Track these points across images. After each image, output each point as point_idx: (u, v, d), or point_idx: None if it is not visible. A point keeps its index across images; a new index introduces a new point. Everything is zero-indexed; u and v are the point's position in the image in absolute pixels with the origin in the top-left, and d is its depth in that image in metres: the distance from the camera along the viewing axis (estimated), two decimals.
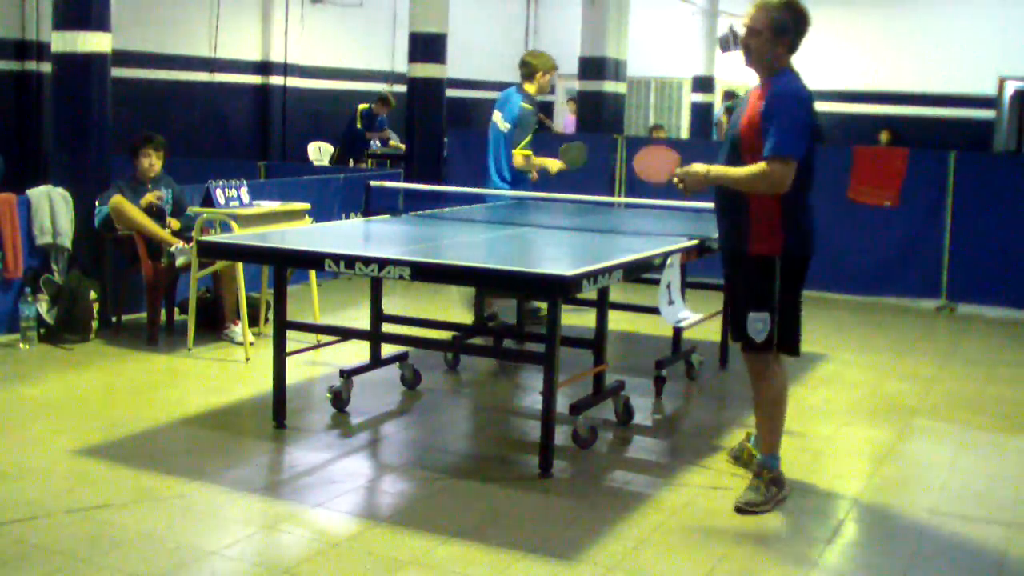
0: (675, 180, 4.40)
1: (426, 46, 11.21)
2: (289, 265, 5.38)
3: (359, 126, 13.56)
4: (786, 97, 4.13)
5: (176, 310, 7.17)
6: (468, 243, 5.55)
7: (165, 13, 12.86)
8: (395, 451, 5.08)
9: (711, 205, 6.08)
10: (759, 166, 4.09)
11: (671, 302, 5.16)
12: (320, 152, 14.00)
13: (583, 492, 4.50)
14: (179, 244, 6.77)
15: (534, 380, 5.86)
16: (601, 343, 5.32)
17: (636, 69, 16.02)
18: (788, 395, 4.49)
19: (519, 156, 7.21)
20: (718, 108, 18.55)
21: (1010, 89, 17.54)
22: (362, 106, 13.69)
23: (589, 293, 4.68)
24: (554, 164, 7.25)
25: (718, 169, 4.28)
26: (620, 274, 4.75)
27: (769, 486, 4.32)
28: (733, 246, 4.38)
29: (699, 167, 4.32)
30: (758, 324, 4.28)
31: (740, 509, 4.24)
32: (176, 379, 6.06)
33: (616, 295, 6.06)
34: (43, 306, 6.59)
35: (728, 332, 4.84)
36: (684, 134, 19.13)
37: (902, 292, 8.86)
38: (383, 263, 4.56)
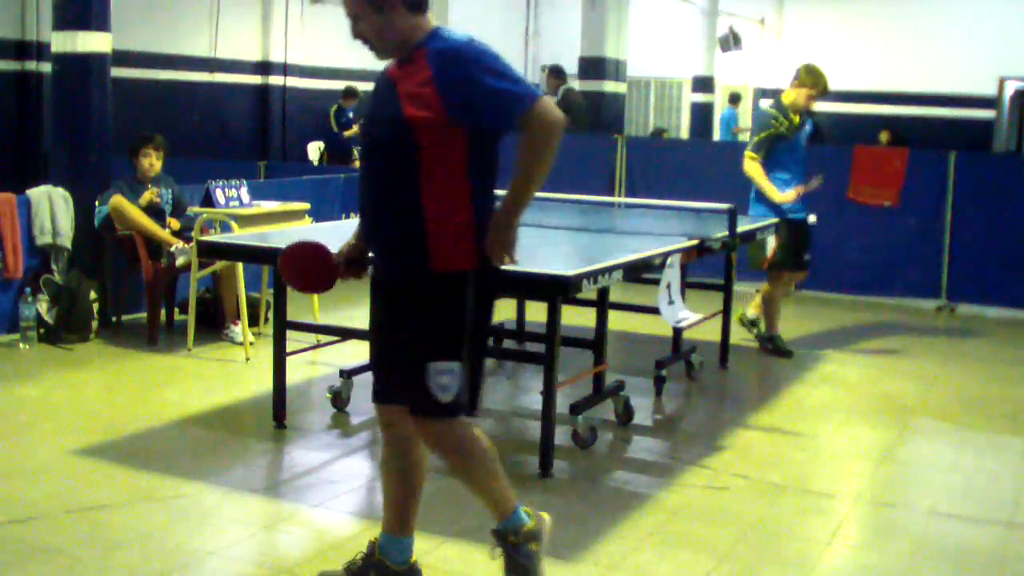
0: (505, 260, 3.14)
1: None
2: None
3: (335, 129, 13.59)
4: (473, 48, 3.09)
5: (176, 310, 7.17)
6: None
7: (165, 13, 12.87)
8: None
9: (713, 205, 6.17)
10: (526, 138, 3.01)
11: (671, 302, 5.17)
12: (320, 152, 14.00)
13: (583, 492, 4.50)
14: (179, 244, 6.77)
15: (534, 380, 5.86)
16: (601, 343, 5.32)
17: (636, 69, 16.02)
18: (492, 453, 3.29)
19: (746, 160, 6.77)
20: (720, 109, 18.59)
21: (1010, 89, 17.55)
22: (333, 108, 13.69)
23: (589, 293, 4.68)
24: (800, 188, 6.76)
25: (508, 199, 3.09)
26: (620, 274, 4.75)
27: (524, 546, 3.30)
28: (400, 261, 3.20)
29: (499, 224, 3.10)
30: (444, 378, 3.10)
31: None
32: (176, 379, 6.06)
33: (616, 295, 6.06)
34: (43, 306, 6.59)
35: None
36: (684, 134, 19.12)
37: (902, 292, 8.86)
38: None
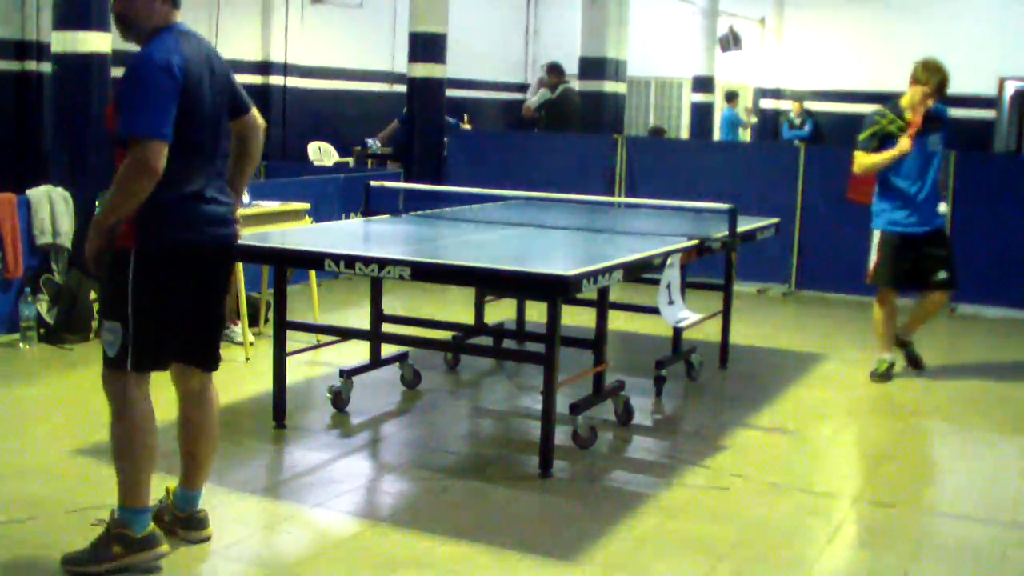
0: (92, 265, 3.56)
1: (426, 46, 11.20)
2: (289, 265, 5.38)
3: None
4: (139, 66, 3.39)
5: None
6: (468, 243, 5.55)
7: None
8: (395, 451, 5.08)
9: (713, 205, 6.16)
10: (126, 161, 3.36)
11: (671, 302, 5.17)
12: (320, 152, 13.97)
13: (583, 492, 4.50)
14: None
15: (534, 380, 5.86)
16: (601, 343, 5.32)
17: (636, 69, 15.99)
18: (152, 441, 3.62)
19: (856, 159, 6.33)
20: (721, 108, 18.59)
21: (1010, 89, 17.54)
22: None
23: (589, 293, 4.68)
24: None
25: (100, 210, 3.53)
26: (620, 274, 4.75)
27: (110, 543, 3.52)
28: None
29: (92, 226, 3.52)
30: (108, 335, 3.54)
31: (64, 563, 3.54)
32: None
33: (616, 295, 6.07)
34: (43, 306, 6.59)
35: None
36: (684, 134, 19.13)
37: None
38: (383, 263, 4.56)
